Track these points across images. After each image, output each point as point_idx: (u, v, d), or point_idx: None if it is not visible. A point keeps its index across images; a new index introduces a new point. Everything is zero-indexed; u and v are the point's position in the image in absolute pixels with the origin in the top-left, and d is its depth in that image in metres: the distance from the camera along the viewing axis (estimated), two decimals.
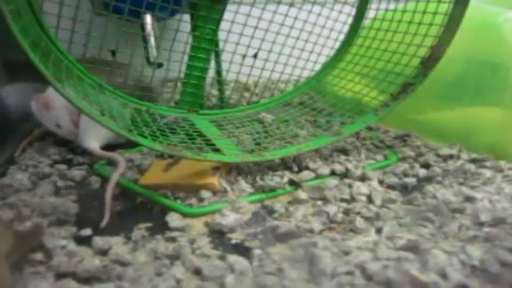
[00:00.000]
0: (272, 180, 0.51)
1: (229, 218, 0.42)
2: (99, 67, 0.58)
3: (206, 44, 0.63)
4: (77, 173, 0.54)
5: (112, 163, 0.56)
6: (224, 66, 0.70)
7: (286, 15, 0.64)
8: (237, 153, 0.51)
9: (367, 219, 0.43)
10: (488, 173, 0.52)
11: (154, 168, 0.52)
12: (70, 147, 0.62)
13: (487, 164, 0.55)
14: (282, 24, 0.65)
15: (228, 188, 0.49)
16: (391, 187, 0.51)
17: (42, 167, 0.55)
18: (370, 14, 0.70)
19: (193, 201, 0.46)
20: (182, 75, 0.64)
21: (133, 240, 0.40)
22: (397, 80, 0.59)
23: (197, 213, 0.44)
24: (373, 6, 0.70)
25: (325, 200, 0.47)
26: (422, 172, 0.54)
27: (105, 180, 0.52)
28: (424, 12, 0.58)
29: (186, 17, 0.66)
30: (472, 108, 0.62)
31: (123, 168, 0.51)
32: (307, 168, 0.54)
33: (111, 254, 0.36)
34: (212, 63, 0.68)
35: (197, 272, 0.34)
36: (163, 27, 0.74)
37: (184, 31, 0.60)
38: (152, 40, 0.66)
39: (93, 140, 0.59)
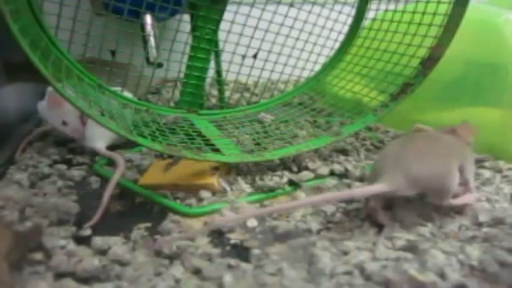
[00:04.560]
0: (271, 180, 0.51)
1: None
2: (98, 67, 0.58)
3: (206, 44, 0.63)
4: (77, 173, 0.54)
5: (112, 163, 0.56)
6: (224, 66, 0.70)
7: (286, 16, 0.64)
8: (237, 154, 0.51)
9: (366, 219, 0.43)
10: (487, 173, 0.52)
11: (153, 169, 0.52)
12: (70, 147, 0.62)
13: (486, 164, 0.55)
14: (281, 25, 0.65)
15: (228, 188, 0.49)
16: None
17: (42, 167, 0.55)
18: (370, 14, 0.70)
19: (193, 201, 0.46)
20: (182, 75, 0.64)
21: (133, 240, 0.40)
22: (397, 80, 0.59)
23: (196, 213, 0.44)
24: (373, 6, 0.70)
25: None
26: None
27: (104, 180, 0.52)
28: (424, 12, 0.58)
29: (186, 17, 0.66)
30: (472, 109, 0.62)
31: (122, 169, 0.51)
32: (306, 168, 0.54)
33: (110, 254, 0.36)
34: (212, 64, 0.68)
35: (196, 271, 0.34)
36: (163, 27, 0.74)
37: (184, 31, 0.60)
38: (152, 40, 0.66)
39: (100, 140, 0.59)
